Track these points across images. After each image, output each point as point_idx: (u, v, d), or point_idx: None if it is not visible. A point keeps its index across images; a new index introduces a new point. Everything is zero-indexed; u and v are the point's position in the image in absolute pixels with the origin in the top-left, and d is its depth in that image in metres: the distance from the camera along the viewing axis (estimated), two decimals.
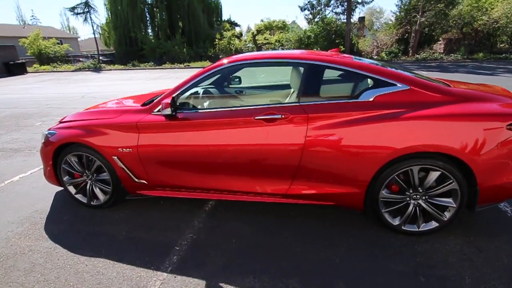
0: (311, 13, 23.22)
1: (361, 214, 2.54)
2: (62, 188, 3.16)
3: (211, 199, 2.60)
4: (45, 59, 25.36)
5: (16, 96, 11.26)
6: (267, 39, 25.50)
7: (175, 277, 1.96)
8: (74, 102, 9.14)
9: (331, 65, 2.28)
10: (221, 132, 2.30)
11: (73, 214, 2.76)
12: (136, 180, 2.57)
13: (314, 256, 2.11)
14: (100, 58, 26.08)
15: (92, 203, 2.80)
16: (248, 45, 25.05)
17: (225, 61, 2.52)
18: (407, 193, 2.20)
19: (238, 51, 24.63)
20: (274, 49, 25.08)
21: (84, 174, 2.73)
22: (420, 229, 2.25)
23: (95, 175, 2.71)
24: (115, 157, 2.51)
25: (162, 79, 14.76)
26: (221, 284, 1.89)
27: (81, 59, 28.41)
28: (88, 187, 2.76)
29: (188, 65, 21.41)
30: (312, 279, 1.90)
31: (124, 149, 2.48)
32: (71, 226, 2.58)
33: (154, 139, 2.44)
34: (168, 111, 2.25)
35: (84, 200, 2.82)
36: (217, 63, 2.51)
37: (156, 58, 24.19)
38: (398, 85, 2.16)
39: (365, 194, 2.23)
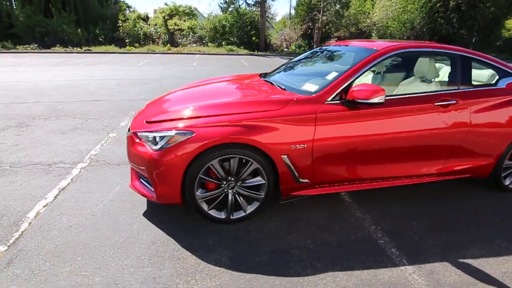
0: (225, 2, 22.99)
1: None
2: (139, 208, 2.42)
3: (369, 188, 2.51)
4: None
5: None
6: (178, 25, 23.88)
7: (420, 266, 1.91)
8: None
9: (477, 57, 2.58)
10: (407, 118, 2.27)
11: (215, 234, 2.15)
12: (300, 180, 2.23)
13: (482, 222, 2.43)
14: None
15: (231, 217, 2.24)
16: (158, 29, 22.78)
17: (394, 47, 2.43)
18: None
19: (147, 35, 22.18)
20: (186, 36, 23.74)
21: (223, 183, 2.15)
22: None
23: (240, 182, 2.17)
24: (285, 156, 2.09)
25: (68, 65, 11.88)
26: (460, 261, 1.97)
27: None
28: (230, 198, 2.18)
29: (89, 50, 17.89)
30: (496, 241, 2.21)
31: (298, 146, 2.09)
32: (237, 249, 2.01)
33: (332, 132, 2.16)
34: (378, 99, 2.04)
35: (220, 215, 2.21)
36: (386, 48, 2.37)
37: (37, 38, 19.06)
38: None
39: (495, 164, 2.67)
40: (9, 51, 16.72)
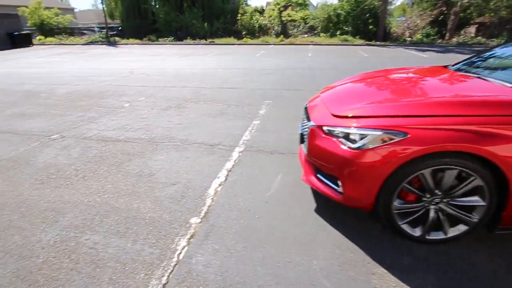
0: None
1: None
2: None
3: None
4: (47, 31, 23.02)
5: (46, 70, 9.78)
6: (291, 16, 23.95)
7: None
8: (129, 79, 7.89)
9: None
10: None
11: (407, 253, 1.85)
12: None
13: None
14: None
15: (426, 237, 1.90)
16: (272, 21, 23.38)
17: None
18: None
19: (262, 27, 23.06)
20: (297, 26, 23.64)
21: (426, 196, 1.81)
22: None
23: (448, 198, 1.79)
24: None
25: (198, 55, 13.35)
26: None
27: (85, 31, 26.09)
28: (431, 215, 1.84)
29: (213, 41, 19.81)
30: None
31: None
32: (444, 278, 1.67)
33: None
34: None
35: (414, 232, 1.90)
36: None
37: (172, 32, 22.30)
38: None
39: None
40: (153, 43, 20.12)
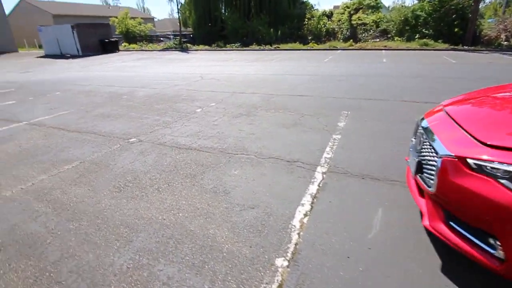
0: None
1: None
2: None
3: None
4: (131, 38, 25.73)
5: (129, 74, 10.66)
6: (361, 20, 22.51)
7: None
8: (200, 84, 8.01)
9: None
10: None
11: None
12: None
13: None
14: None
15: None
16: (341, 25, 22.30)
17: None
18: None
19: (329, 32, 22.16)
20: (367, 30, 22.08)
21: None
22: None
23: None
24: None
25: (264, 61, 13.24)
26: None
27: (161, 38, 28.50)
28: None
29: (278, 47, 19.68)
30: None
31: None
32: None
33: None
34: None
35: None
36: None
37: (239, 38, 22.86)
38: None
39: None
40: (221, 49, 20.86)
